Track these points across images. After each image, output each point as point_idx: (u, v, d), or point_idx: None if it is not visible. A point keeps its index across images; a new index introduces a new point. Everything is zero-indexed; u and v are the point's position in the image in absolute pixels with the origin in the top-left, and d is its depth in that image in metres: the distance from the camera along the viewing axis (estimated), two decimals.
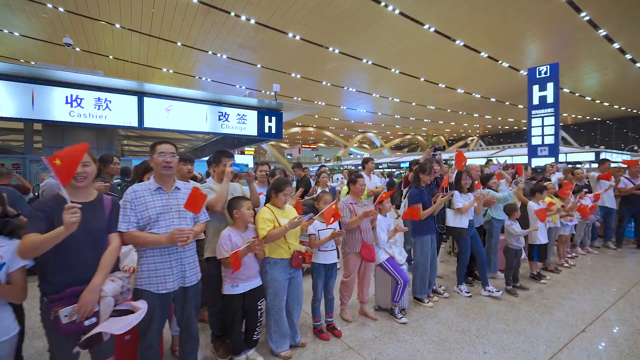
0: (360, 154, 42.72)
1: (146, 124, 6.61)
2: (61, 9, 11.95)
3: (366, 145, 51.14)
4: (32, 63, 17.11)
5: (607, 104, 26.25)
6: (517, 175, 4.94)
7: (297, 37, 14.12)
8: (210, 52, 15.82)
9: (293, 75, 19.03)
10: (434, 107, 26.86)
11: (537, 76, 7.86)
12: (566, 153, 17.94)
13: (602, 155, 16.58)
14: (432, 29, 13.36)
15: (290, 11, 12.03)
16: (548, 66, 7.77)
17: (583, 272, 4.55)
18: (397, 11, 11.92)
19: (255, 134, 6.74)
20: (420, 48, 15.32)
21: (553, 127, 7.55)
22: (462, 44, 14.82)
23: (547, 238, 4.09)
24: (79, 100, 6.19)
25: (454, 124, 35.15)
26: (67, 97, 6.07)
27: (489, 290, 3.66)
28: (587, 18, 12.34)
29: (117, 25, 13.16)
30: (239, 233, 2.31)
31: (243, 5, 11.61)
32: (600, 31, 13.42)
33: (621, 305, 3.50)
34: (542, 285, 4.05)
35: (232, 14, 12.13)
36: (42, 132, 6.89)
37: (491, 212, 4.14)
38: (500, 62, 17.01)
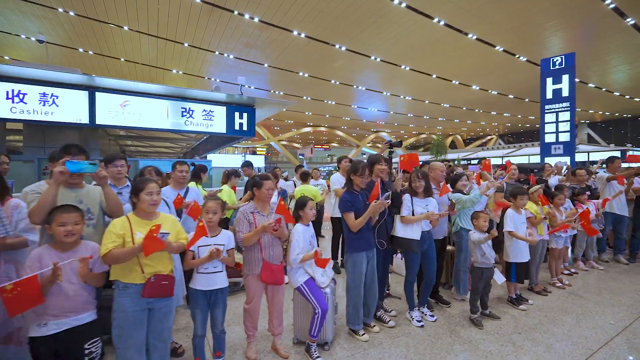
0: (373, 154, 42.04)
1: (99, 121, 6.21)
2: (72, 13, 12.24)
3: (379, 145, 50.33)
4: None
5: (638, 100, 24.45)
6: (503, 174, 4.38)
7: (303, 35, 13.90)
8: (217, 53, 15.87)
9: (301, 74, 18.84)
10: (448, 105, 25.94)
11: (551, 67, 7.23)
12: (588, 152, 16.76)
13: (629, 153, 15.38)
14: (442, 23, 12.78)
15: (293, 8, 11.82)
16: (563, 56, 7.11)
17: (578, 295, 3.74)
18: (403, 4, 11.45)
19: (224, 132, 6.33)
20: (431, 43, 14.72)
21: (568, 123, 6.88)
22: (475, 37, 14.11)
23: (527, 254, 3.41)
24: (21, 96, 5.80)
25: (470, 122, 33.90)
26: (7, 92, 5.73)
27: (419, 314, 3.05)
28: (612, 6, 11.43)
29: (126, 28, 13.39)
30: (58, 254, 1.73)
31: (245, 4, 11.50)
32: (627, 20, 12.42)
33: (616, 345, 2.71)
34: (521, 313, 3.29)
35: (236, 12, 12.06)
36: (22, 132, 6.84)
37: (460, 221, 3.45)
38: (517, 56, 16.12)
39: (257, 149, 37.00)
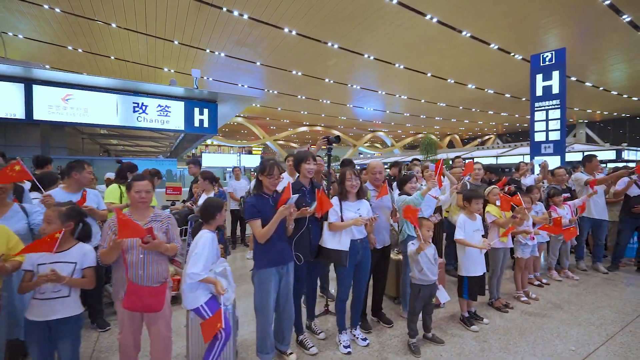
0: (370, 154, 41.86)
1: (37, 116, 5.72)
2: (58, 10, 12.01)
3: (378, 145, 50.13)
4: (41, 64, 17.64)
5: (636, 99, 24.22)
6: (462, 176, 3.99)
7: (294, 33, 13.67)
8: (208, 51, 15.65)
9: (294, 72, 18.62)
10: (444, 105, 25.72)
11: (541, 64, 7.00)
12: (583, 151, 16.52)
13: (625, 155, 15.09)
14: (435, 20, 12.56)
15: (282, 5, 11.60)
16: (553, 52, 6.88)
17: (543, 313, 3.27)
18: (394, 1, 11.23)
19: (182, 128, 5.92)
20: (424, 41, 14.50)
21: (559, 121, 6.66)
22: (469, 35, 13.89)
23: (482, 267, 2.98)
24: None
25: (467, 121, 33.67)
26: None
27: (349, 338, 2.69)
28: (608, 2, 11.21)
29: (113, 25, 13.17)
30: None
31: (234, 0, 11.28)
32: (624, 17, 12.20)
33: None
34: (470, 335, 2.83)
35: (224, 9, 11.84)
36: None
37: (407, 228, 3.00)
38: (512, 54, 15.90)
39: (253, 148, 36.82)
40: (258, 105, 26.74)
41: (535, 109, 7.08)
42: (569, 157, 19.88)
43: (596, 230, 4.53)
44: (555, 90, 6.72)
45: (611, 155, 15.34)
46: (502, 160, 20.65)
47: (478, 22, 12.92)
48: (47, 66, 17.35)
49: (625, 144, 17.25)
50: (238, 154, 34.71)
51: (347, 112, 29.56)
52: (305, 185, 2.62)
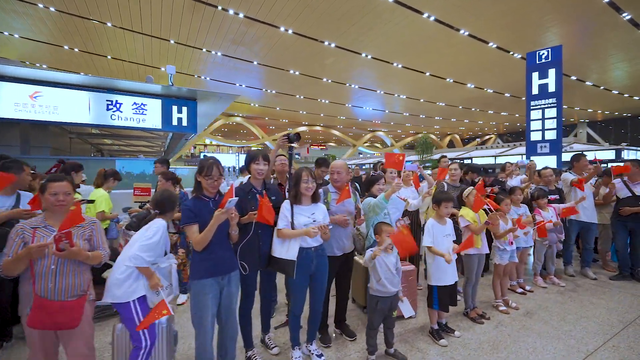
0: (370, 154, 41.72)
1: (2, 114, 5.44)
2: (52, 9, 11.94)
3: (378, 145, 49.98)
4: (37, 65, 17.60)
5: (637, 98, 24.00)
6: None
7: (290, 32, 13.58)
8: (204, 50, 15.58)
9: (292, 72, 18.52)
10: (444, 104, 25.56)
11: (537, 61, 6.87)
12: (582, 151, 16.34)
13: (624, 154, 14.90)
14: (432, 18, 12.43)
15: (277, 3, 11.49)
16: (549, 49, 6.74)
17: (521, 323, 3.02)
18: None
19: (159, 127, 5.75)
20: (422, 40, 14.37)
21: (555, 120, 6.53)
22: (467, 34, 13.76)
23: (453, 275, 2.76)
24: None
25: (467, 121, 33.48)
26: None
27: (302, 353, 2.49)
28: (607, 0, 11.06)
29: (109, 24, 13.10)
30: None
31: None
32: (624, 15, 12.04)
33: None
34: (438, 350, 2.60)
35: (219, 7, 11.74)
36: None
37: (372, 233, 2.80)
38: (511, 53, 15.74)
39: (252, 148, 36.78)
40: (257, 105, 26.66)
41: (532, 107, 6.95)
42: (568, 156, 19.69)
43: (585, 234, 4.30)
44: (552, 88, 6.59)
45: (611, 155, 15.14)
46: (501, 160, 20.52)
47: (476, 21, 12.79)
48: (45, 66, 17.41)
49: (625, 144, 17.01)
50: (236, 153, 34.68)
51: (346, 112, 29.44)
52: (257, 188, 2.43)
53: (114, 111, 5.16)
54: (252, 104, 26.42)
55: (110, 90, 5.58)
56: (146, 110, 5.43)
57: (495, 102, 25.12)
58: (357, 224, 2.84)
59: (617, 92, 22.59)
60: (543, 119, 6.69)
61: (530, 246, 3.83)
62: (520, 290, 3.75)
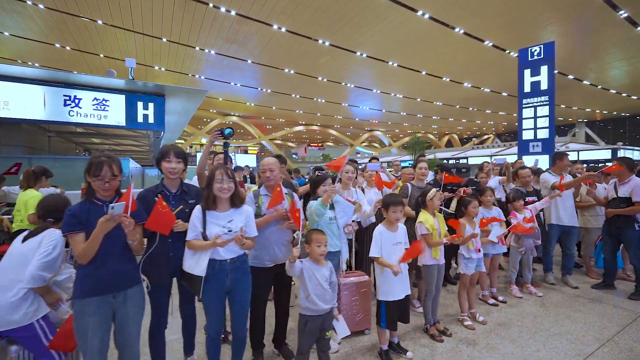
0: (368, 153, 41.57)
1: None
2: (41, 6, 11.77)
3: (376, 145, 49.84)
4: (29, 63, 17.41)
5: (636, 98, 23.86)
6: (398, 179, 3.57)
7: (283, 29, 13.41)
8: (197, 48, 15.41)
9: (286, 71, 18.36)
10: (441, 103, 25.41)
11: (529, 58, 6.71)
12: (578, 150, 16.18)
13: (620, 154, 14.73)
14: (426, 16, 12.27)
15: (269, 1, 11.33)
16: (541, 46, 6.58)
17: (485, 340, 2.71)
18: None
19: (123, 124, 5.45)
20: (417, 38, 14.22)
21: (547, 118, 6.37)
22: (462, 32, 13.60)
23: (403, 289, 2.44)
24: None
25: (465, 121, 33.34)
26: None
27: None
28: None
29: (99, 22, 12.93)
30: None
31: None
32: (620, 12, 11.88)
33: None
34: None
35: (210, 5, 11.58)
36: None
37: None
38: (508, 52, 15.59)
39: (249, 148, 36.60)
40: (253, 105, 26.49)
41: (523, 105, 6.79)
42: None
43: (565, 238, 3.99)
44: (544, 86, 6.43)
45: (607, 154, 14.98)
46: (497, 160, 20.31)
47: (472, 19, 12.63)
48: (37, 64, 17.22)
49: (621, 143, 16.84)
50: (233, 153, 34.50)
51: (343, 111, 29.28)
52: (170, 189, 2.11)
53: (72, 107, 4.88)
54: (248, 103, 26.25)
55: (69, 85, 5.24)
56: (108, 106, 5.16)
57: (493, 101, 24.97)
58: (286, 227, 2.38)
59: (615, 92, 22.45)
60: (535, 117, 6.53)
61: (502, 253, 3.51)
62: (492, 301, 3.43)
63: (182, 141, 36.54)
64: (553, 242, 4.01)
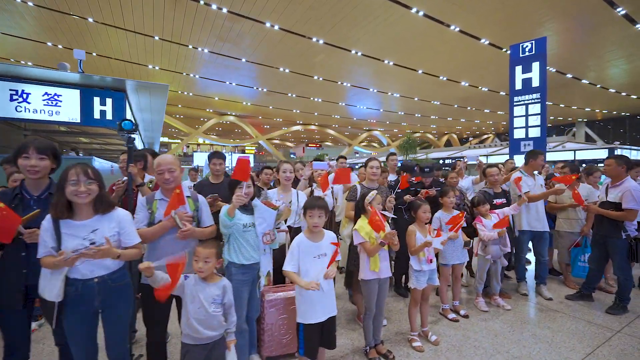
0: (367, 153, 41.37)
1: None
2: (30, 4, 11.62)
3: (375, 144, 49.63)
4: (22, 62, 17.26)
5: (635, 97, 23.61)
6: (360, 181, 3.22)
7: (276, 27, 13.23)
8: (190, 47, 15.25)
9: (281, 69, 18.18)
10: (438, 103, 25.19)
11: (520, 54, 6.52)
12: (575, 150, 15.96)
13: (617, 153, 14.52)
14: (420, 13, 12.08)
15: None
16: (533, 42, 6.40)
17: None
18: None
19: (78, 121, 5.04)
20: (413, 36, 14.02)
21: (539, 116, 6.18)
22: (458, 29, 13.40)
23: (327, 309, 2.06)
24: None
25: (464, 120, 33.10)
26: None
27: None
28: None
29: (90, 20, 12.78)
30: None
31: None
32: (618, 10, 11.67)
33: None
34: None
35: (201, 2, 11.41)
36: None
37: (228, 253, 2.31)
38: (504, 50, 15.37)
39: (246, 147, 36.43)
40: (249, 104, 26.31)
41: (515, 103, 6.60)
42: (562, 156, 19.36)
43: (537, 244, 3.66)
44: (536, 83, 6.24)
45: (604, 154, 14.73)
46: (493, 160, 20.10)
47: (467, 16, 12.43)
48: (30, 63, 17.07)
49: (618, 143, 16.58)
50: (230, 153, 34.35)
51: (341, 111, 29.07)
52: (31, 192, 1.76)
53: (19, 102, 4.62)
54: (244, 103, 26.07)
55: (17, 78, 4.86)
56: (60, 101, 4.89)
57: (491, 100, 24.73)
58: (186, 237, 2.01)
59: (614, 91, 22.20)
60: (527, 115, 6.34)
61: (465, 262, 3.18)
62: (452, 315, 3.06)
63: (179, 141, 36.46)
64: (525, 249, 3.68)
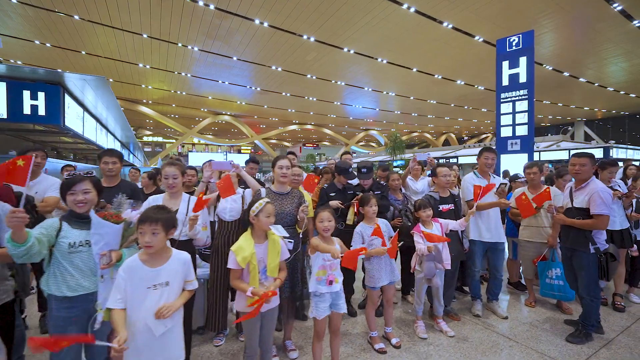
0: (364, 153, 41.12)
1: None
2: (13, 0, 11.38)
3: (373, 144, 49.37)
4: (12, 61, 17.04)
5: (634, 96, 23.30)
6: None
7: (265, 24, 12.98)
8: (180, 45, 15.00)
9: (274, 68, 17.93)
10: (434, 102, 24.92)
11: (507, 49, 6.27)
12: (569, 149, 15.66)
13: (613, 153, 14.14)
14: (412, 9, 11.81)
15: None
16: (520, 35, 6.13)
17: None
18: None
19: (4, 116, 4.63)
20: (405, 33, 13.75)
21: (526, 114, 5.92)
22: (451, 26, 13.13)
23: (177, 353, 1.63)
24: None
25: (461, 119, 32.82)
26: None
27: None
28: None
29: (76, 17, 12.54)
30: None
31: None
32: (614, 5, 11.39)
33: None
34: None
35: None
36: None
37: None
38: None
39: (242, 147, 36.21)
40: (244, 103, 26.08)
41: (502, 100, 6.35)
42: (556, 155, 19.06)
43: (491, 256, 3.18)
44: (523, 78, 5.98)
45: (599, 153, 14.41)
46: (418, 156, 19.77)
47: (460, 13, 12.17)
48: (20, 62, 16.85)
49: (613, 142, 16.25)
50: (225, 152, 34.15)
51: (337, 110, 28.82)
52: None
53: None
54: (239, 102, 25.84)
55: None
56: None
57: (489, 99, 24.42)
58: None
59: (612, 90, 21.90)
60: (514, 112, 6.08)
61: (395, 281, 2.63)
62: (379, 345, 2.53)
63: (173, 141, 36.24)
64: (478, 262, 3.15)
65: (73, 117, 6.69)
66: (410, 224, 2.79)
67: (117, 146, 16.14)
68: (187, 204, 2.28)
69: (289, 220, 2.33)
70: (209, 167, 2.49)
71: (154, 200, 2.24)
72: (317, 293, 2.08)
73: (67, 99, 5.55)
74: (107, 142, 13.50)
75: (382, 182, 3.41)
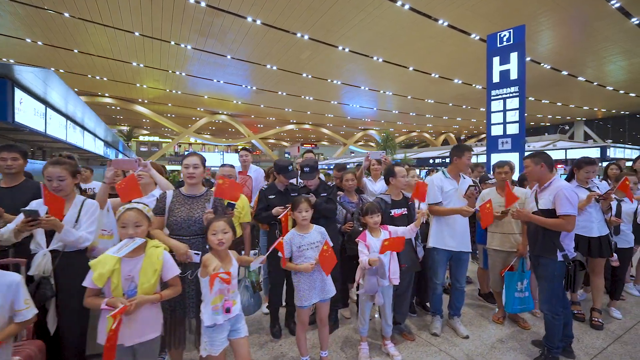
0: (363, 153, 40.90)
1: None
2: None
3: (372, 144, 49.14)
4: (4, 60, 16.87)
5: (634, 95, 23.07)
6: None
7: (258, 22, 12.80)
8: (172, 43, 14.83)
9: (269, 67, 17.75)
10: (432, 101, 24.71)
11: (498, 44, 6.08)
12: (566, 149, 15.45)
13: (610, 152, 13.94)
14: (406, 7, 11.62)
15: None
16: (511, 31, 5.94)
17: None
18: None
19: None
20: (399, 30, 13.56)
21: (517, 112, 5.74)
22: (446, 24, 12.94)
23: None
24: None
25: (460, 119, 32.59)
26: None
27: None
28: None
29: (66, 14, 12.38)
30: None
31: None
32: (612, 2, 11.19)
33: None
34: None
35: None
36: None
37: None
38: None
39: (239, 147, 36.04)
40: (240, 103, 25.89)
41: (492, 98, 6.15)
42: (553, 155, 18.80)
43: (453, 266, 2.90)
44: (514, 75, 5.79)
45: (596, 153, 14.22)
46: (482, 159, 19.54)
47: (455, 10, 11.97)
48: (12, 61, 16.69)
49: (610, 141, 16.03)
50: (221, 152, 33.96)
51: (334, 110, 28.61)
52: None
53: None
54: (235, 101, 25.65)
55: None
56: None
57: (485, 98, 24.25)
58: None
59: (612, 89, 21.68)
60: (504, 110, 5.90)
61: (329, 297, 2.34)
62: None
63: (170, 140, 36.09)
64: (440, 274, 2.82)
65: (29, 114, 6.40)
66: (361, 229, 2.49)
67: (99, 146, 15.79)
68: (78, 208, 1.94)
69: (197, 228, 2.00)
70: (109, 165, 2.16)
71: (38, 204, 1.84)
72: (210, 324, 1.70)
73: (19, 93, 5.34)
74: (83, 141, 13.10)
75: (330, 183, 3.15)
